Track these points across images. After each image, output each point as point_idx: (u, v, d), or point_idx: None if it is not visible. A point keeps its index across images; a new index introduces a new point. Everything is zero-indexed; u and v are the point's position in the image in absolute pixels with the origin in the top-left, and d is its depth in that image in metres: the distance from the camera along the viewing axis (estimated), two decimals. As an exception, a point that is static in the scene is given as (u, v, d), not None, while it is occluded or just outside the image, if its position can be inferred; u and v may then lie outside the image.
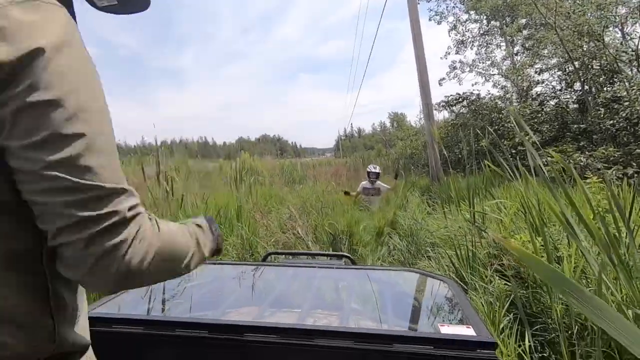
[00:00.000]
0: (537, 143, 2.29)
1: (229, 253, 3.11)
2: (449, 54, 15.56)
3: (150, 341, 0.98)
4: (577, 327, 1.62)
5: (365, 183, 6.27)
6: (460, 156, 7.38)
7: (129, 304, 1.24)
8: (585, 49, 7.72)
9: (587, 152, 6.04)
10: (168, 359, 1.00)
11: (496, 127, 8.73)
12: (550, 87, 9.92)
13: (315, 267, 1.61)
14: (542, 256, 2.02)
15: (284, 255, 2.58)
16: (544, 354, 1.50)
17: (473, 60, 15.31)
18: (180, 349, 0.97)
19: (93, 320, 1.01)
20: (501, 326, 1.65)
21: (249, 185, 5.60)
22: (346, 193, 6.31)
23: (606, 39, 7.79)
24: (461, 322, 1.01)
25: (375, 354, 0.87)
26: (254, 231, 3.51)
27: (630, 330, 0.33)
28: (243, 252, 3.17)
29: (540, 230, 2.14)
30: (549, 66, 10.04)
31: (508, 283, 2.13)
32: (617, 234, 1.52)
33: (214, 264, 1.60)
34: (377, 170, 6.31)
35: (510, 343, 1.51)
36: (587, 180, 2.32)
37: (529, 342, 1.51)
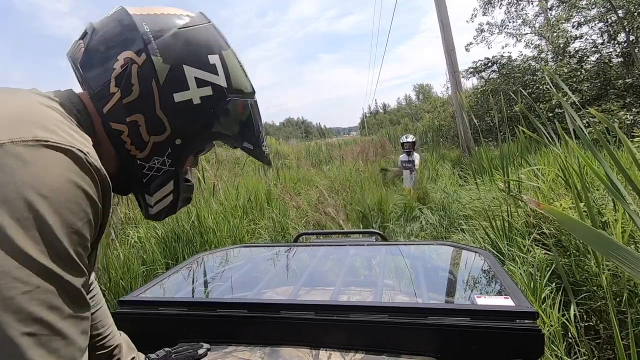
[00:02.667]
0: (577, 103, 2.13)
1: (261, 236, 3.20)
2: (475, 16, 14.66)
3: (194, 321, 1.04)
4: (626, 294, 1.54)
5: (402, 156, 5.72)
6: (491, 124, 7.03)
7: (173, 287, 1.31)
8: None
9: (634, 109, 5.57)
10: (210, 337, 1.06)
11: (530, 90, 8.21)
12: (590, 41, 9.12)
13: (346, 245, 1.62)
14: (587, 222, 1.92)
15: (315, 235, 2.62)
16: (590, 323, 1.44)
17: (502, 20, 14.37)
18: (222, 327, 1.02)
19: (141, 304, 1.09)
20: (542, 296, 1.60)
21: (277, 169, 5.68)
22: (383, 170, 5.93)
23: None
24: (499, 293, 0.98)
25: (410, 327, 0.87)
26: (284, 213, 3.58)
27: None
28: (275, 234, 3.25)
29: (582, 195, 2.03)
30: (588, 18, 9.20)
31: (549, 252, 2.05)
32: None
33: (248, 246, 1.65)
34: (411, 139, 5.68)
35: (553, 313, 1.47)
36: (635, 139, 2.14)
37: (574, 311, 1.46)
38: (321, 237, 2.60)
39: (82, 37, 0.58)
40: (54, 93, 0.55)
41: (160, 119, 0.56)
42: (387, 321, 0.88)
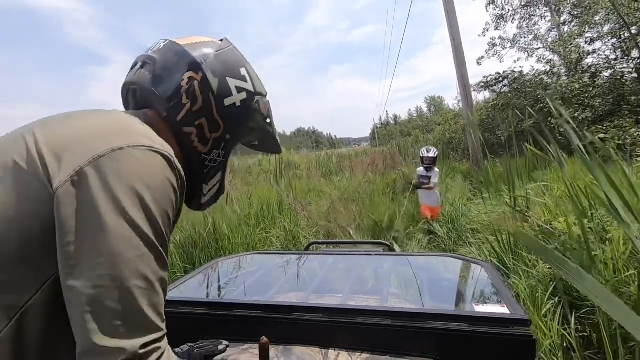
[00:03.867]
0: (589, 119, 2.18)
1: (273, 244, 3.30)
2: (487, 30, 14.75)
3: (213, 320, 1.13)
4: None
5: (420, 170, 5.06)
6: (502, 139, 7.06)
7: (191, 289, 1.41)
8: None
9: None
10: (227, 335, 1.15)
11: (542, 104, 8.21)
12: (604, 57, 9.10)
13: (355, 254, 1.71)
14: (589, 238, 1.96)
15: (325, 245, 2.70)
16: (584, 334, 1.50)
17: (514, 35, 14.39)
18: (238, 327, 1.11)
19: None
20: (545, 309, 1.65)
21: (289, 179, 5.79)
22: (408, 185, 5.18)
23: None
24: (496, 302, 1.05)
25: (412, 330, 0.95)
26: (295, 223, 3.68)
27: (618, 304, 0.38)
28: (286, 243, 3.34)
29: (586, 213, 2.08)
30: (602, 34, 9.20)
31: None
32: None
33: (262, 254, 1.75)
34: (433, 154, 4.95)
35: (553, 325, 1.52)
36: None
37: (573, 324, 1.51)
38: (331, 247, 2.68)
39: (142, 67, 0.72)
40: (129, 113, 0.69)
41: (217, 120, 0.72)
42: (391, 324, 0.96)
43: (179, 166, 0.59)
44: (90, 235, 0.48)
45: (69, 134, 0.55)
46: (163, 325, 0.53)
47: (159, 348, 0.50)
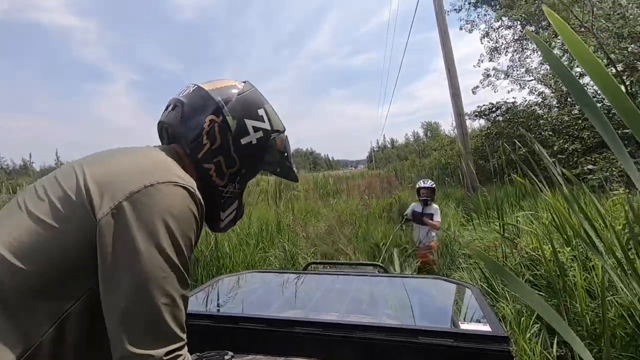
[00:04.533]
0: (578, 150, 2.34)
1: (272, 264, 3.37)
2: (482, 61, 15.31)
3: (218, 332, 1.21)
4: (607, 334, 1.68)
5: (415, 206, 4.36)
6: (496, 166, 7.27)
7: (196, 303, 1.50)
8: (629, 51, 7.39)
9: (632, 160, 5.76)
10: (232, 347, 1.23)
11: (534, 134, 8.50)
12: (592, 91, 9.50)
13: (351, 275, 1.80)
14: (572, 265, 2.08)
15: (322, 265, 2.78)
16: (562, 354, 1.59)
17: (508, 67, 14.95)
18: (243, 339, 1.19)
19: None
20: (530, 332, 1.74)
21: (287, 200, 5.88)
22: (403, 218, 4.50)
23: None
24: (480, 321, 1.16)
25: (404, 345, 1.04)
26: (294, 243, 3.76)
27: (534, 296, 0.49)
28: (285, 263, 3.42)
29: (570, 241, 2.21)
30: (590, 69, 9.61)
31: (541, 293, 2.19)
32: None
33: (263, 272, 1.84)
34: (430, 185, 4.31)
35: (536, 348, 1.61)
36: (615, 192, 2.34)
37: (556, 351, 1.60)
38: (328, 267, 2.77)
39: (173, 109, 0.84)
40: (160, 147, 0.81)
41: (234, 157, 0.82)
42: (385, 339, 1.06)
43: (200, 197, 0.70)
44: (126, 259, 0.59)
45: (110, 172, 0.66)
46: (184, 336, 0.62)
47: (180, 355, 0.60)
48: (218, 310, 1.47)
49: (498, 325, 1.07)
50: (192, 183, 0.70)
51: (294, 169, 0.97)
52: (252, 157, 0.85)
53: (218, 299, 1.58)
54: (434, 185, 4.35)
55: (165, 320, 0.59)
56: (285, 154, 0.92)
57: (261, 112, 0.86)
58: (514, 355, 1.02)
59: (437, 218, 4.14)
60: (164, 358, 0.57)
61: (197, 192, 0.69)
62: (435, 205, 4.27)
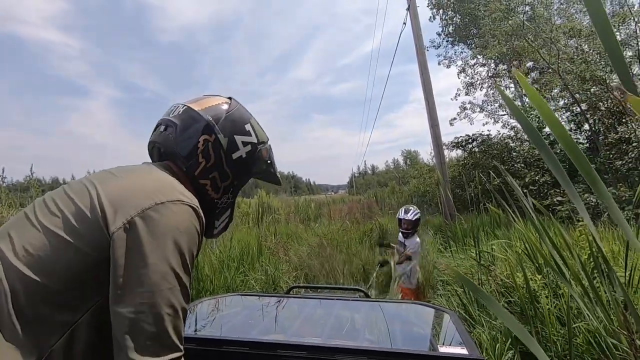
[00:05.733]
0: (548, 182, 2.50)
1: (253, 287, 3.32)
2: (459, 95, 16.15)
3: (200, 356, 1.20)
4: (575, 360, 1.75)
5: (400, 237, 3.77)
6: (472, 195, 7.54)
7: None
8: (592, 92, 8.01)
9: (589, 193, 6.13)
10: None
11: (507, 166, 8.91)
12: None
13: (332, 299, 1.82)
14: (543, 292, 2.17)
15: (304, 289, 2.77)
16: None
17: (483, 101, 15.80)
18: (225, 362, 1.18)
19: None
20: (505, 358, 1.79)
21: (269, 223, 5.86)
22: (382, 264, 3.85)
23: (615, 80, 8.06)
24: (457, 344, 1.20)
25: None
26: (276, 267, 3.73)
27: (504, 313, 0.55)
28: (266, 286, 3.38)
29: (541, 269, 2.32)
30: (557, 107, 10.32)
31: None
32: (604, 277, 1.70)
33: (245, 295, 1.83)
34: (411, 216, 3.61)
35: (511, 373, 1.66)
36: (581, 223, 2.49)
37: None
38: (309, 291, 2.76)
39: (165, 129, 0.89)
40: (156, 165, 0.85)
41: (227, 171, 0.90)
42: None
43: (201, 214, 0.75)
44: (136, 269, 0.63)
45: (122, 190, 0.71)
46: (182, 347, 0.66)
47: None
48: (198, 333, 1.45)
49: (475, 348, 1.12)
50: (195, 201, 0.75)
51: (277, 174, 1.06)
52: (243, 169, 0.93)
53: (198, 323, 1.56)
54: (417, 217, 3.65)
55: (167, 330, 0.62)
56: (270, 162, 1.01)
57: (248, 127, 0.94)
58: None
59: (412, 248, 3.54)
60: None
61: (200, 210, 0.75)
62: (417, 239, 3.64)
